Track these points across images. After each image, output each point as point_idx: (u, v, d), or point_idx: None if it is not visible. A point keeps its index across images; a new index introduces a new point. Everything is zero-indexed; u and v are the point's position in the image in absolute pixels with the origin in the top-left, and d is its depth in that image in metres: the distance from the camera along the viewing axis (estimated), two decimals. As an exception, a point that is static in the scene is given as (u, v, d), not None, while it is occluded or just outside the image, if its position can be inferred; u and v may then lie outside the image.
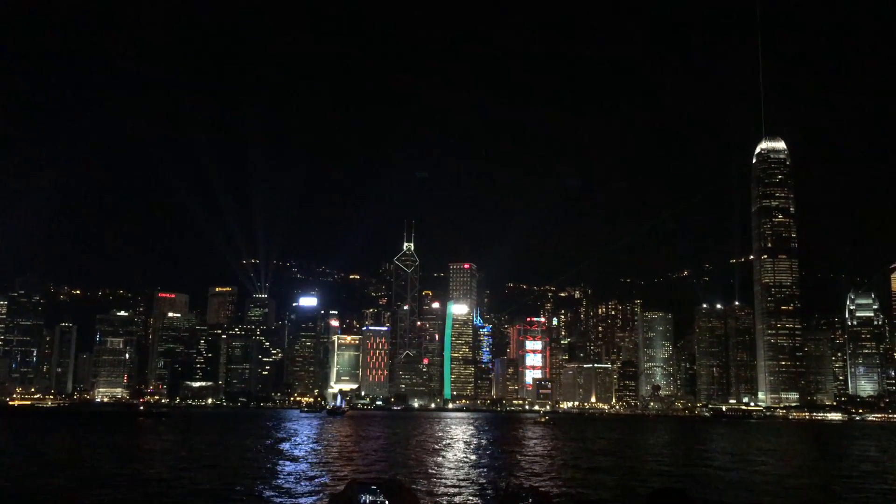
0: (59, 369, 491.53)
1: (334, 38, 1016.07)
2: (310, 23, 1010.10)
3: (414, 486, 58.17)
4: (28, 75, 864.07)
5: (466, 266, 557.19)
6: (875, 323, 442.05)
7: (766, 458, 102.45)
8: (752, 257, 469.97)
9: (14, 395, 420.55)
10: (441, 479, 64.69)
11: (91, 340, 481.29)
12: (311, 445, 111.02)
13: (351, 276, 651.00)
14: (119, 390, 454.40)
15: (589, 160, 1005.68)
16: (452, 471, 72.49)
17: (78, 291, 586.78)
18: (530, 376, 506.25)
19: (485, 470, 75.24)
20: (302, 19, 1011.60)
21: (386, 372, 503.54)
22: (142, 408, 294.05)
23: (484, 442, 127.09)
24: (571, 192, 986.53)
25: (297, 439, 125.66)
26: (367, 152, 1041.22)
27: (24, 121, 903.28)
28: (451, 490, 57.28)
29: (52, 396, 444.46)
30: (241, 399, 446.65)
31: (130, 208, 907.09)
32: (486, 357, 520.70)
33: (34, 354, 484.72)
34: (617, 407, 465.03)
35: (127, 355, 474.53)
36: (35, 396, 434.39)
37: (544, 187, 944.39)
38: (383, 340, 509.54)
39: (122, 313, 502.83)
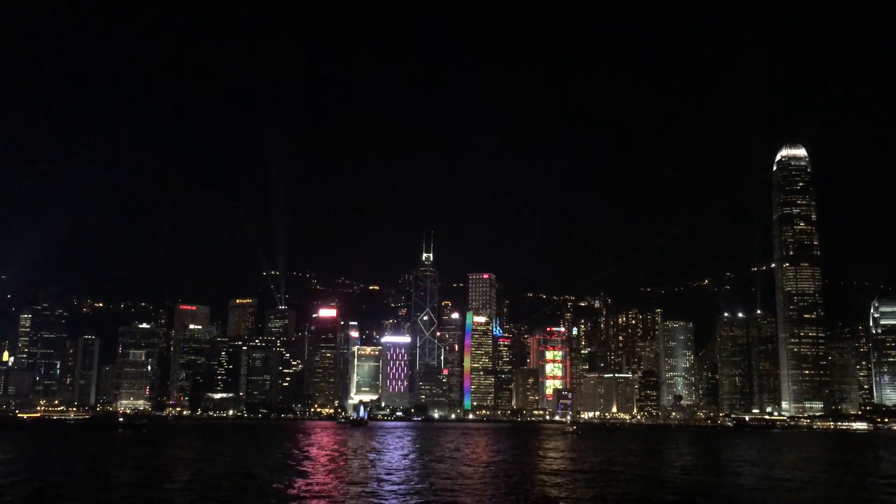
0: (83, 381, 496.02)
1: (351, 48, 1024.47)
2: (324, 34, 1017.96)
3: (434, 497, 58.12)
4: (53, 83, 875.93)
5: (486, 276, 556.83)
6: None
7: (789, 469, 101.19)
8: (773, 265, 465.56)
9: (38, 408, 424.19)
10: (465, 491, 64.51)
11: (113, 352, 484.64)
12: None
13: (370, 287, 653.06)
14: (141, 402, 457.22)
15: (600, 166, 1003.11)
16: (478, 483, 72.25)
17: (101, 304, 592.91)
18: (550, 386, 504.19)
19: (511, 482, 74.91)
20: (320, 31, 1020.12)
21: (406, 382, 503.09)
22: (121, 419, 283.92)
23: (510, 454, 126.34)
24: (586, 201, 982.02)
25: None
26: (385, 163, 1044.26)
27: (42, 137, 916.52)
28: (477, 502, 57.16)
29: (74, 409, 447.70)
30: (262, 410, 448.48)
31: (152, 221, 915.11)
32: (505, 367, 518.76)
33: (57, 367, 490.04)
34: (638, 417, 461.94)
35: (149, 367, 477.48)
36: (59, 409, 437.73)
37: (562, 195, 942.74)
38: (403, 351, 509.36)
39: (144, 325, 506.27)
